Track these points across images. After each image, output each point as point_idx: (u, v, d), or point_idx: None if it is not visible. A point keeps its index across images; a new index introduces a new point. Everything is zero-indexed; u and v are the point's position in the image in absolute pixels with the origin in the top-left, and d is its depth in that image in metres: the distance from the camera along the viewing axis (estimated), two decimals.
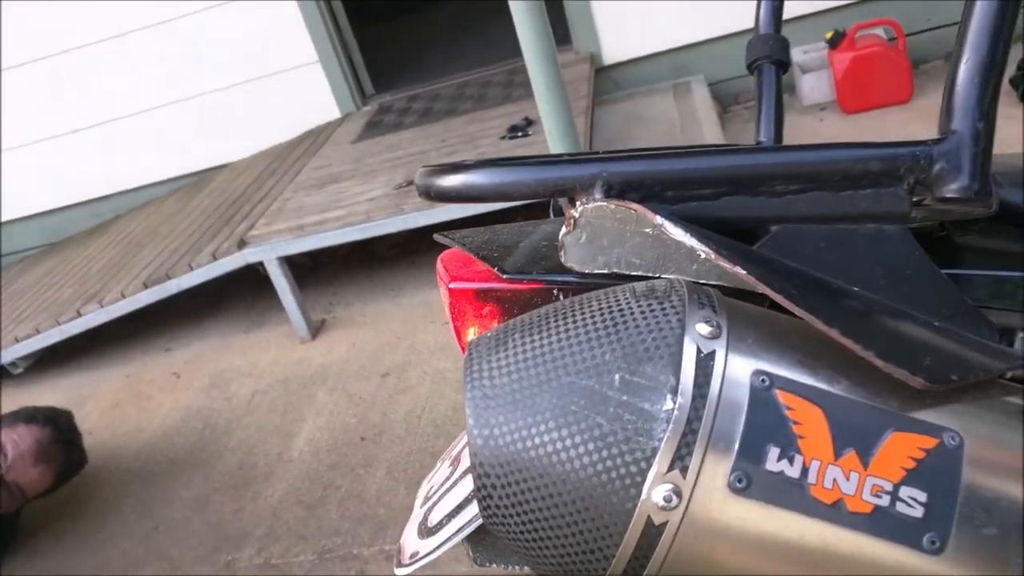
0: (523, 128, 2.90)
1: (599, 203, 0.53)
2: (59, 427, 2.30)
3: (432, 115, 3.44)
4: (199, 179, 3.95)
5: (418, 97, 3.77)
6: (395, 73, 4.27)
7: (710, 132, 2.94)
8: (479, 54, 4.17)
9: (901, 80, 3.05)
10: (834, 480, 0.44)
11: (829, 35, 3.06)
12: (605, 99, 3.46)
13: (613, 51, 3.47)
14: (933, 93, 3.10)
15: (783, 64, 0.90)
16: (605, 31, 3.44)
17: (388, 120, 3.56)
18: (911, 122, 2.99)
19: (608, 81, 3.53)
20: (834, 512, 0.44)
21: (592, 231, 0.55)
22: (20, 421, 2.25)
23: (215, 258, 2.84)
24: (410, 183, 2.77)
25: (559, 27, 2.25)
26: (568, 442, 0.45)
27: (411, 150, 3.10)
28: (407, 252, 3.27)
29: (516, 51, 3.58)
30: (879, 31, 3.09)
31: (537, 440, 0.46)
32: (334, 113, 3.81)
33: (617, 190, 0.53)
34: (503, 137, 2.90)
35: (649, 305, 0.48)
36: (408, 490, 2.09)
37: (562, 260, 0.57)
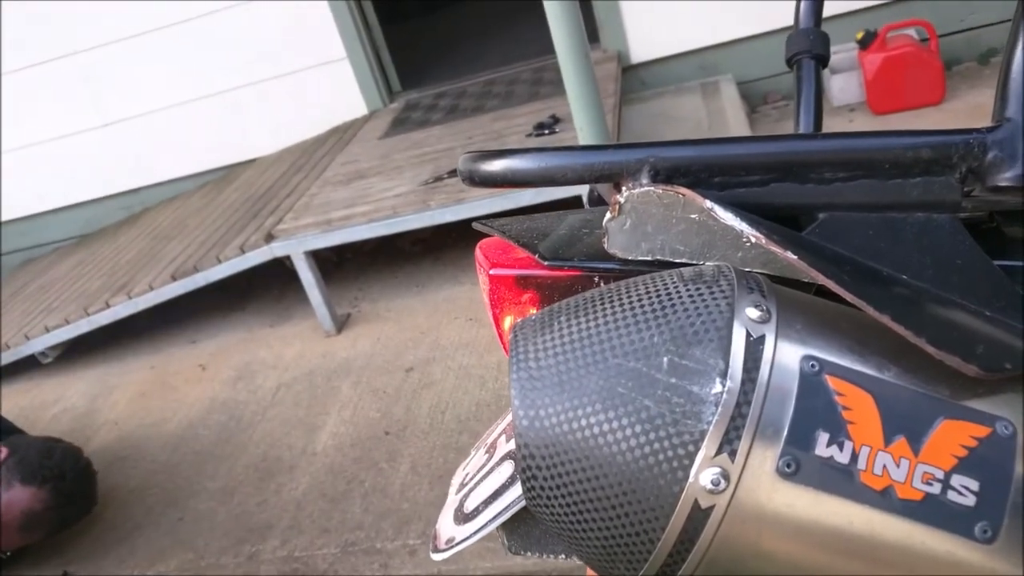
0: (550, 126, 2.90)
1: (646, 188, 0.53)
2: (60, 490, 2.15)
3: (459, 112, 3.45)
4: (227, 174, 3.99)
5: (445, 94, 3.78)
6: (422, 71, 4.29)
7: (738, 132, 2.92)
8: (506, 53, 4.17)
9: (933, 81, 3.01)
10: (884, 467, 0.44)
11: (860, 35, 3.03)
12: (632, 98, 3.45)
13: (641, 50, 3.46)
14: (966, 95, 3.06)
15: (823, 59, 0.89)
16: (633, 30, 3.43)
17: (415, 117, 3.57)
18: (943, 124, 2.94)
19: (635, 80, 3.52)
20: (884, 499, 0.44)
21: (637, 217, 0.54)
22: (16, 479, 2.10)
23: (243, 251, 2.87)
24: (437, 179, 2.78)
25: (587, 25, 2.25)
26: (615, 424, 0.45)
27: (438, 147, 3.11)
28: (432, 248, 3.28)
29: (543, 50, 3.60)
30: (911, 32, 3.06)
31: (583, 421, 0.46)
32: (361, 110, 3.83)
33: (664, 175, 0.52)
34: (530, 134, 2.90)
35: (697, 289, 0.48)
36: (432, 485, 2.09)
37: (605, 246, 0.57)
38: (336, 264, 3.39)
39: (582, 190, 2.50)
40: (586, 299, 0.51)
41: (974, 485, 0.44)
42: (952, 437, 0.44)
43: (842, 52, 3.19)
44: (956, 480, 0.44)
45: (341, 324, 2.97)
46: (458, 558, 1.84)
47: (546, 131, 2.87)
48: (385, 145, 3.34)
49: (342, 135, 3.68)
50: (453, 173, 2.78)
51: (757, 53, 3.33)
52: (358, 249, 3.40)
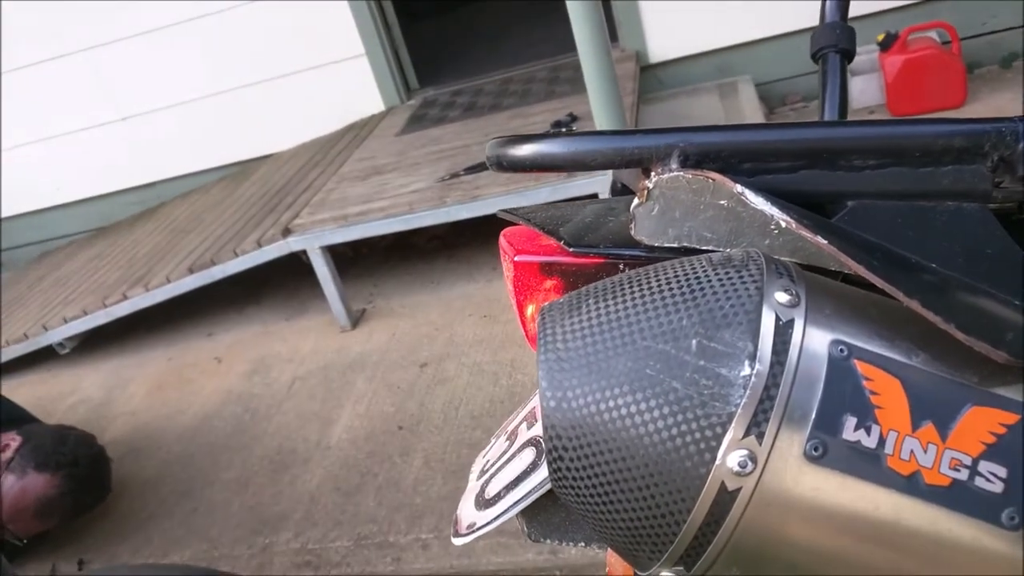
0: (567, 124, 2.90)
1: (675, 173, 0.53)
2: (74, 475, 2.16)
3: (476, 110, 3.46)
4: (243, 169, 4.01)
5: (462, 92, 3.79)
6: (439, 68, 4.30)
7: None
8: (522, 51, 4.18)
9: (954, 84, 2.99)
10: (911, 452, 0.44)
11: (881, 37, 3.01)
12: (650, 97, 3.45)
13: (659, 50, 3.46)
14: (987, 98, 3.04)
15: (849, 54, 0.88)
16: (651, 29, 3.43)
17: (432, 114, 3.58)
18: None
19: (653, 79, 3.51)
20: (911, 484, 0.44)
21: (665, 202, 0.54)
22: (31, 466, 2.12)
23: (260, 246, 2.88)
24: (453, 176, 2.79)
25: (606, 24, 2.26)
26: (643, 406, 0.45)
27: (454, 144, 3.11)
28: (447, 245, 3.29)
29: (559, 49, 3.60)
30: (933, 34, 3.04)
31: (611, 403, 0.46)
32: (379, 106, 3.84)
33: (694, 160, 0.53)
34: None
35: (727, 273, 0.48)
36: (445, 480, 2.10)
37: (632, 232, 0.57)
38: (352, 259, 3.41)
39: (600, 187, 2.50)
40: (614, 282, 0.51)
41: (1002, 472, 0.43)
42: (980, 423, 0.44)
43: (862, 54, 3.17)
44: (984, 467, 0.43)
45: (356, 319, 2.98)
46: (470, 553, 1.85)
47: (563, 129, 2.87)
48: (402, 142, 3.35)
49: (359, 131, 3.69)
50: (470, 170, 2.78)
51: (776, 54, 3.32)
52: (374, 245, 3.41)
